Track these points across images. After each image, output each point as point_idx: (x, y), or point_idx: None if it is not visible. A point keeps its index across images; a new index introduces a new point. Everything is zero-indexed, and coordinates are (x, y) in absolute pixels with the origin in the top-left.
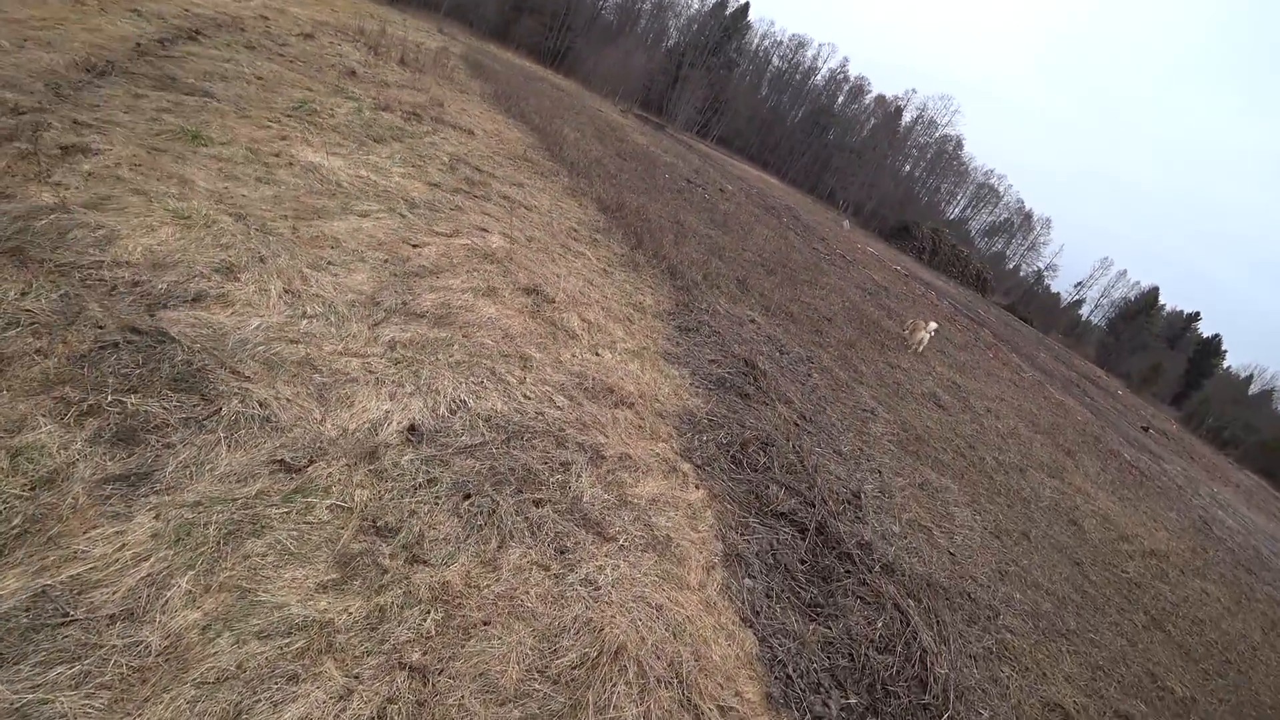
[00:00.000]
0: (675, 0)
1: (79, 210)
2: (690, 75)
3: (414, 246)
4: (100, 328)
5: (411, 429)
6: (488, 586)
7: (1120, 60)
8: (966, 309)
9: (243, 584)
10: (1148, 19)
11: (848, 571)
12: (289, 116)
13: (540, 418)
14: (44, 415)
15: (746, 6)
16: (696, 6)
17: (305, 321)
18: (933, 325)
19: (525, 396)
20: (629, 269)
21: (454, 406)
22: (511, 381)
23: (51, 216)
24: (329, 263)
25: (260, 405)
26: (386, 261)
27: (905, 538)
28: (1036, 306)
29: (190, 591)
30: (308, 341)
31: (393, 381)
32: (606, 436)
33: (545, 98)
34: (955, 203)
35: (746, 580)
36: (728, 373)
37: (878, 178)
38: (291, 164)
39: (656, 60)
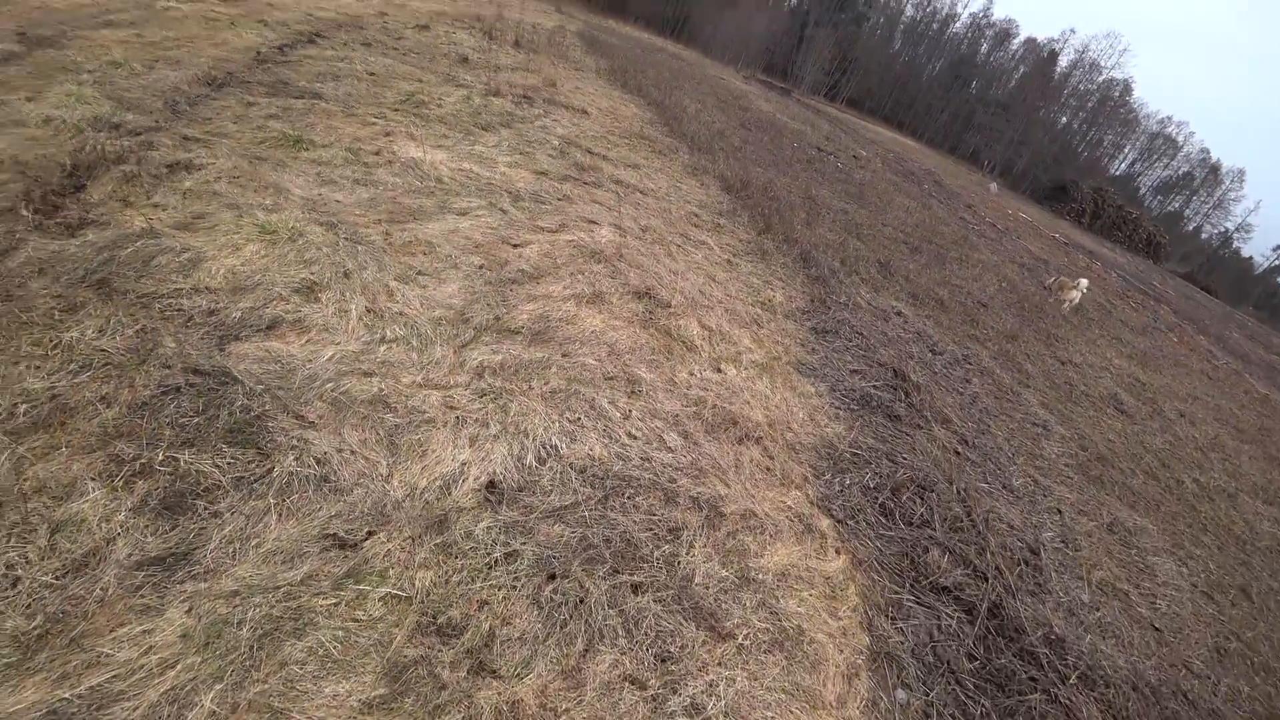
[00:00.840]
0: None
1: (168, 233)
2: (815, 35)
3: (514, 247)
4: (167, 368)
5: (490, 486)
6: (566, 711)
7: None
8: (1139, 281)
9: (274, 702)
10: None
11: (1032, 680)
12: (396, 111)
13: (646, 464)
14: (94, 478)
15: None
16: None
17: (384, 347)
18: (1083, 283)
19: (630, 435)
20: (756, 258)
21: (543, 454)
22: (615, 416)
23: (139, 243)
24: (419, 273)
25: (318, 462)
26: (482, 267)
27: (1097, 609)
28: (1223, 274)
29: (214, 713)
30: (384, 373)
31: (475, 421)
32: (727, 486)
33: (664, 69)
34: (1122, 157)
35: (899, 693)
36: (873, 386)
37: (1028, 133)
38: (391, 162)
39: (779, 22)
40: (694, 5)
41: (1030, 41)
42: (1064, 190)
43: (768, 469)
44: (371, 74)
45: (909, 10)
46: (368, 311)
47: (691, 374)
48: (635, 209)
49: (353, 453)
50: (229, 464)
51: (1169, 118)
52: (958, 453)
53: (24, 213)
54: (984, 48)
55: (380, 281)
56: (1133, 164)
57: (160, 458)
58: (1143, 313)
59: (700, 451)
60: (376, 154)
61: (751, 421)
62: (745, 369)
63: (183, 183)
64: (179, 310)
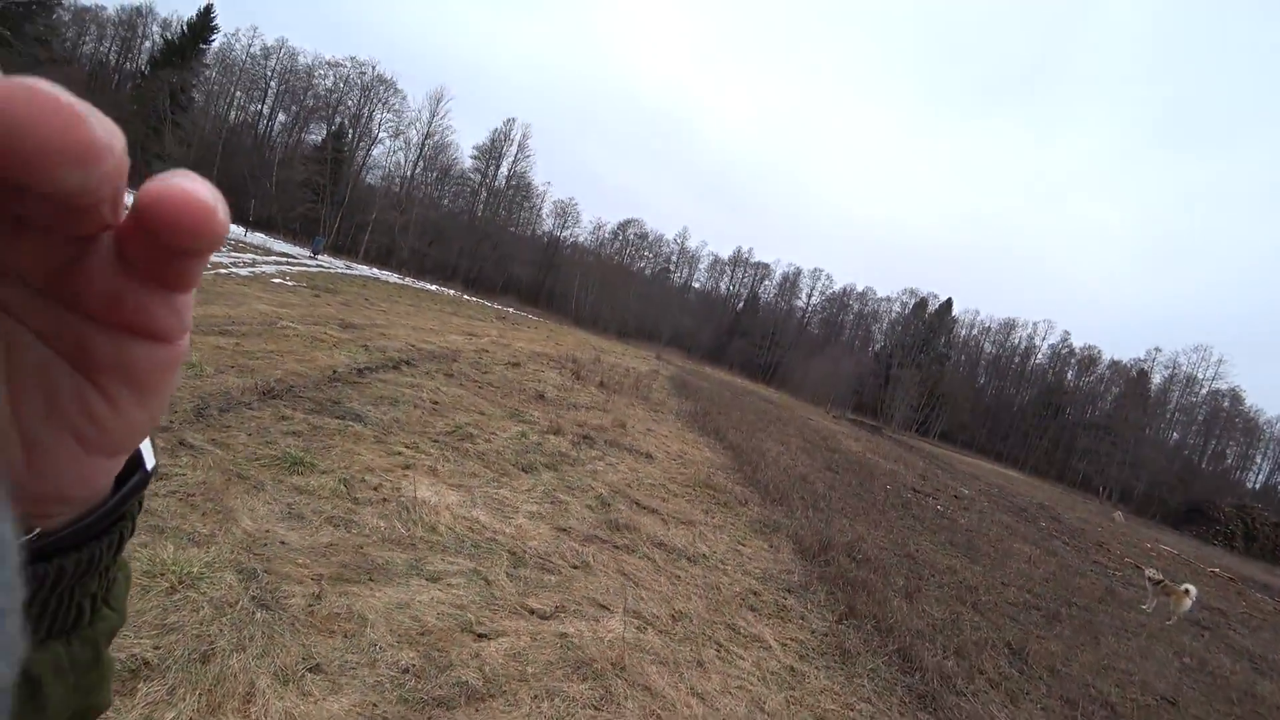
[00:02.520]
0: (877, 308)
1: None
2: (900, 375)
3: (476, 639)
4: None
5: None
6: None
7: None
8: None
9: None
10: None
11: None
12: (435, 442)
13: None
14: None
15: (949, 302)
16: (898, 310)
17: None
18: (1191, 589)
19: None
20: (833, 662)
21: None
22: None
23: None
24: (315, 668)
25: None
26: (408, 672)
27: None
28: None
29: None
30: None
31: None
32: None
33: (750, 411)
34: (1255, 467)
35: None
36: None
37: (1138, 453)
38: (387, 500)
39: (865, 364)
40: (785, 352)
41: (1115, 364)
42: (1200, 512)
43: None
44: (435, 403)
45: (988, 347)
46: None
47: None
48: (672, 585)
49: None
50: None
51: None
52: None
53: None
54: (1070, 374)
55: (248, 675)
56: (1271, 475)
57: None
58: None
59: None
60: (375, 489)
61: None
62: None
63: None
64: None
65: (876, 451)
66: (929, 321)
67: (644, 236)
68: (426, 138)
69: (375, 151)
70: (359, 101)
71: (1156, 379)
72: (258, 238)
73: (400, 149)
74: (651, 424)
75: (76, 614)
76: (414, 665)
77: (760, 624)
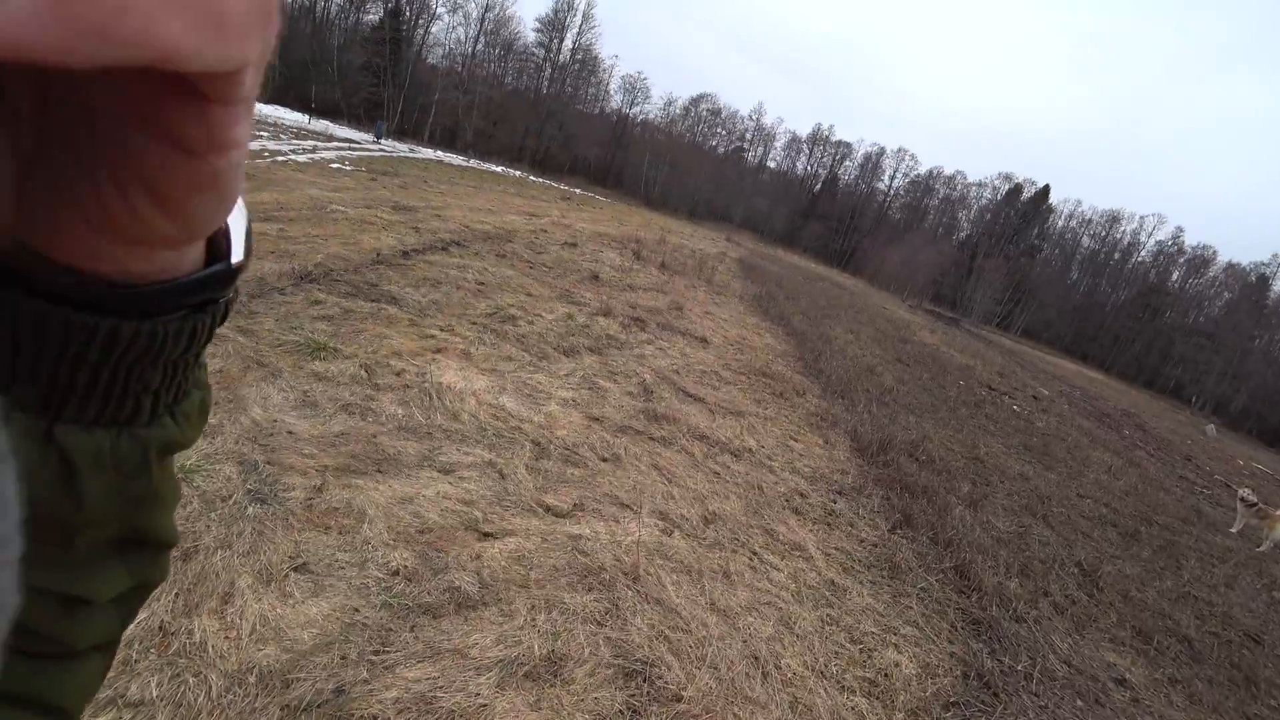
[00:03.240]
0: (965, 193)
1: None
2: (985, 266)
3: (481, 538)
4: None
5: None
6: None
7: None
8: None
9: None
10: None
11: None
12: (474, 325)
13: None
14: None
15: (1047, 189)
16: (989, 197)
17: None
18: None
19: None
20: (880, 577)
21: None
22: None
23: None
24: (302, 567)
25: None
26: (398, 573)
27: None
28: None
29: None
30: None
31: None
32: None
33: (821, 297)
34: None
35: None
36: None
37: (1243, 365)
38: (410, 386)
39: (948, 253)
40: (863, 238)
41: (1232, 267)
42: None
43: None
44: (480, 284)
45: (1086, 241)
46: (159, 631)
47: None
48: (711, 482)
49: None
50: None
51: None
52: None
53: None
54: (1175, 275)
55: (230, 574)
56: None
57: None
58: None
59: None
60: (398, 374)
61: None
62: None
63: None
64: None
65: (953, 345)
66: (1022, 210)
67: (717, 113)
68: (486, 10)
69: (435, 29)
70: None
71: (1277, 287)
72: (321, 124)
73: (460, 24)
74: (712, 307)
75: (134, 408)
76: (406, 567)
77: (803, 529)
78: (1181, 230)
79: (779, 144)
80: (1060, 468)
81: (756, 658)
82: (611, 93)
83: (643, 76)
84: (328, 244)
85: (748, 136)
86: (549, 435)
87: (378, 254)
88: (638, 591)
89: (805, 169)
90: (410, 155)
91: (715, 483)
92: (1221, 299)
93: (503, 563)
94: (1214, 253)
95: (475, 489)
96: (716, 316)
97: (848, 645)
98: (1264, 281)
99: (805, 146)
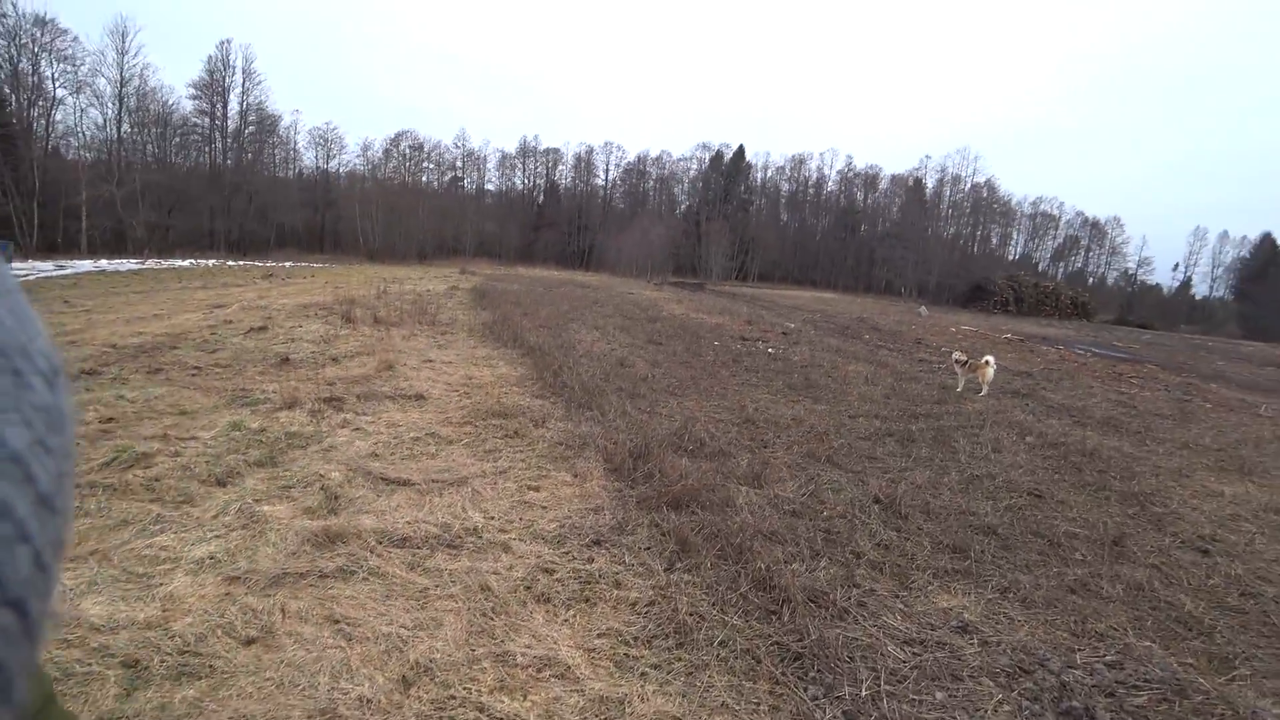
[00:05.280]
0: (675, 169)
1: None
2: (710, 229)
3: None
4: None
5: None
6: None
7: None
8: (1106, 349)
9: None
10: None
11: None
12: (82, 485)
13: None
14: None
15: (741, 150)
16: (695, 169)
17: None
18: (990, 360)
19: None
20: (668, 655)
21: None
22: None
23: None
24: None
25: None
26: None
27: None
28: (1147, 307)
29: None
30: None
31: None
32: None
33: (563, 302)
34: (1014, 245)
35: None
36: None
37: (925, 252)
38: None
39: (675, 227)
40: (595, 234)
41: (895, 178)
42: (981, 289)
43: None
44: (107, 421)
45: (784, 185)
46: None
47: None
48: (416, 610)
49: None
50: None
51: (1040, 198)
52: None
53: None
54: (859, 194)
55: None
56: (1025, 246)
57: None
58: (1158, 392)
59: None
60: None
61: None
62: None
63: None
64: None
65: (701, 309)
66: (726, 172)
67: (419, 147)
68: (123, 85)
69: (59, 116)
70: (11, 54)
71: (930, 184)
72: None
73: (91, 104)
74: (434, 352)
75: None
76: None
77: (554, 626)
78: (851, 157)
79: (491, 164)
80: (826, 395)
81: None
82: (301, 150)
83: (332, 126)
84: None
85: (458, 165)
86: (158, 639)
87: None
88: None
89: (524, 182)
90: (56, 274)
91: (421, 609)
92: (895, 204)
93: None
94: (880, 169)
95: None
96: (438, 362)
97: None
98: (919, 183)
99: (517, 161)
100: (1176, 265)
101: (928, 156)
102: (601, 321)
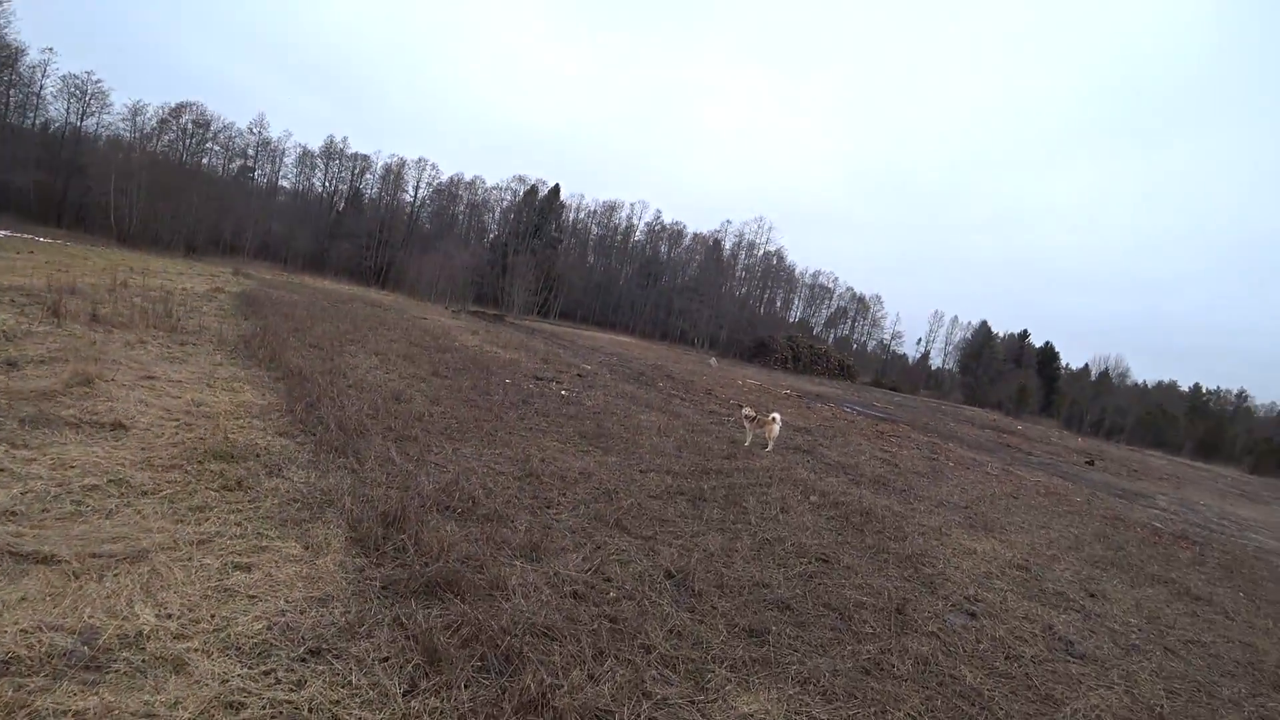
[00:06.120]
0: (487, 197)
1: None
2: (517, 262)
3: None
4: None
5: None
6: None
7: (918, 170)
8: (869, 409)
9: None
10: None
11: None
12: None
13: None
14: None
15: (556, 188)
16: (509, 200)
17: None
18: (776, 416)
19: None
20: None
21: None
22: None
23: None
24: None
25: None
26: None
27: None
28: (897, 373)
29: None
30: None
31: None
32: None
33: (346, 320)
34: (794, 309)
35: None
36: None
37: (719, 307)
38: None
39: (481, 255)
40: (396, 251)
41: (697, 236)
42: (764, 345)
43: None
44: None
45: (594, 229)
46: None
47: None
48: None
49: None
50: None
51: (819, 271)
52: None
53: None
54: (664, 247)
55: None
56: (804, 311)
57: None
58: (910, 446)
59: None
60: None
61: None
62: None
63: None
64: None
65: (496, 341)
66: (539, 207)
67: (205, 125)
68: None
69: None
70: None
71: (727, 245)
72: None
73: None
74: (162, 365)
75: None
76: None
77: None
78: (660, 211)
79: (289, 160)
80: (618, 446)
81: None
82: (49, 99)
83: (95, 78)
84: None
85: (250, 153)
86: None
87: None
88: None
89: (324, 185)
90: None
91: None
92: (695, 260)
93: None
94: (685, 226)
95: None
96: (162, 380)
97: None
98: (718, 244)
99: (320, 161)
100: (920, 340)
101: (729, 220)
102: (385, 347)
